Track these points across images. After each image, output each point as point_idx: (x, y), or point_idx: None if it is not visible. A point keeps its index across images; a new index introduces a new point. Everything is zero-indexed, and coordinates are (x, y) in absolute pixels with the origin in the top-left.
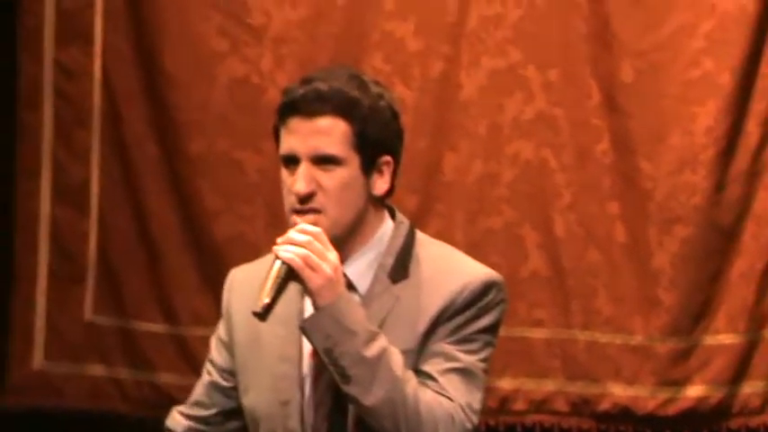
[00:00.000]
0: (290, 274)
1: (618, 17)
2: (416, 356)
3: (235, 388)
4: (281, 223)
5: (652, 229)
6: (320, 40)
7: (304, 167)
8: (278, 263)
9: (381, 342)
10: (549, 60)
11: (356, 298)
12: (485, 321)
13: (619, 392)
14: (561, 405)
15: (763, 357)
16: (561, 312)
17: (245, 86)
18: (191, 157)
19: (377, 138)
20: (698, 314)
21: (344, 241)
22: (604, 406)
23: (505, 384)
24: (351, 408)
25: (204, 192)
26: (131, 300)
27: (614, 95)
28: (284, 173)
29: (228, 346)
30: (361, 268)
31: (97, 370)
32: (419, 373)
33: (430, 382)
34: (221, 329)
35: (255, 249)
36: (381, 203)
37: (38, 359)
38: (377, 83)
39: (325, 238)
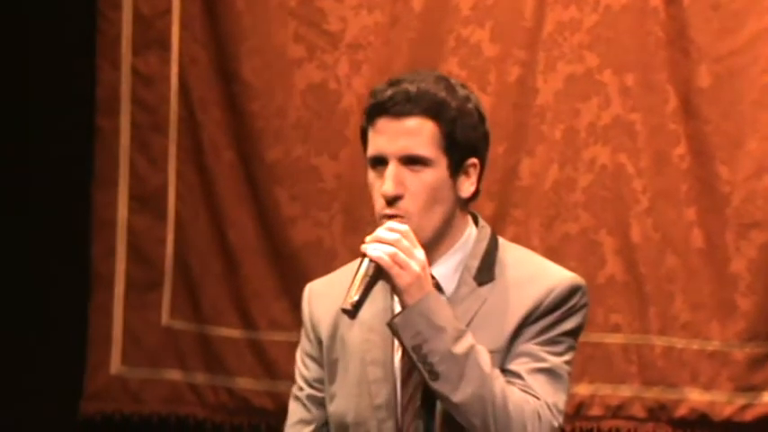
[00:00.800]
0: (378, 273)
1: (695, 22)
2: (503, 357)
3: None
4: (357, 229)
5: (729, 235)
6: (396, 46)
7: (392, 168)
8: (366, 261)
9: (469, 339)
10: (625, 65)
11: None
12: (569, 324)
13: (695, 398)
14: (638, 411)
15: None
16: (638, 318)
17: (322, 92)
18: (267, 163)
19: (465, 140)
20: None
21: (432, 244)
22: (681, 412)
23: (582, 390)
24: (439, 407)
25: (281, 198)
26: (208, 305)
27: (691, 100)
28: (371, 175)
29: (315, 357)
30: (448, 270)
31: (174, 375)
32: (505, 371)
33: (516, 381)
34: (305, 343)
35: (332, 255)
36: (466, 207)
37: (115, 365)
38: (463, 85)
39: (412, 237)
